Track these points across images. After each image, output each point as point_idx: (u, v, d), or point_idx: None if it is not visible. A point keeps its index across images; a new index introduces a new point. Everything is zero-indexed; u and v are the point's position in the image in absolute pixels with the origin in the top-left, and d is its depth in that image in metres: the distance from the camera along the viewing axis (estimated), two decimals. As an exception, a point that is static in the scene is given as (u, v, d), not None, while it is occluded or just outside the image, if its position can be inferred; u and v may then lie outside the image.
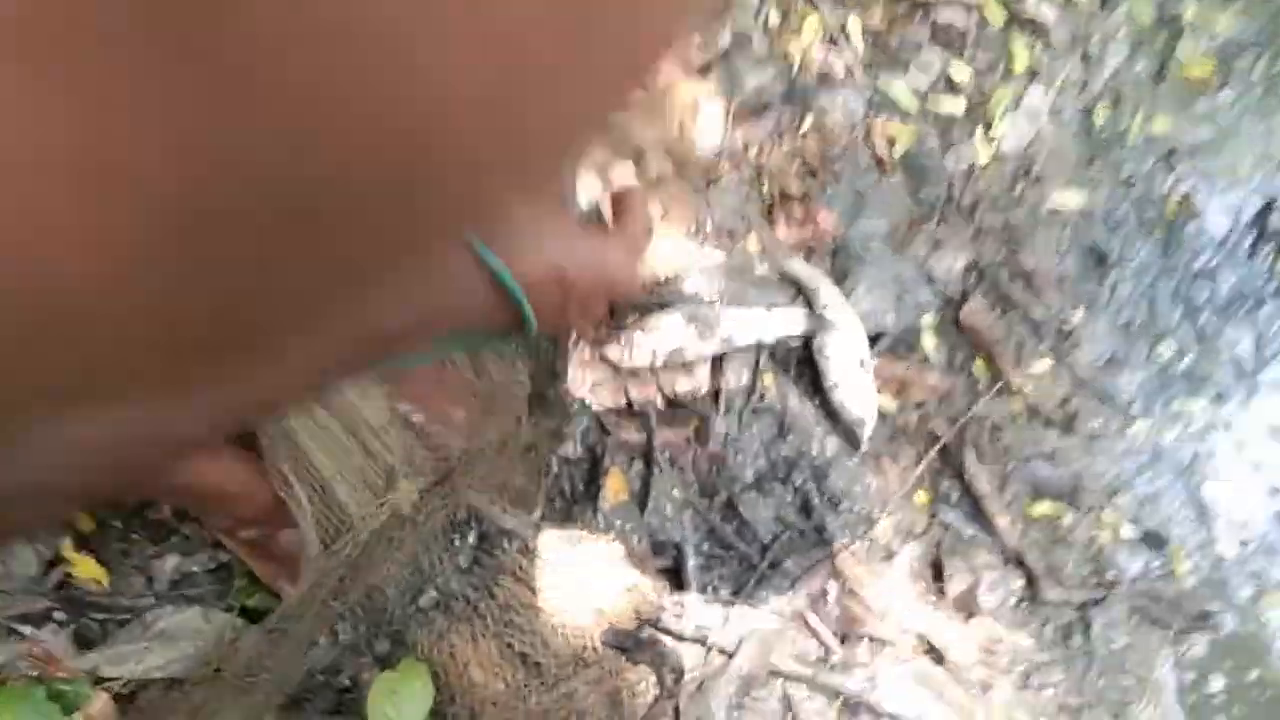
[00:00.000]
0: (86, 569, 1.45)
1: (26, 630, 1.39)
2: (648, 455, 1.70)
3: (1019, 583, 1.68)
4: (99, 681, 1.37)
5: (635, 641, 1.45)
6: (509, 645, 1.38)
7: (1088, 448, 1.87)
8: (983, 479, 1.76)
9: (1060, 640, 1.67)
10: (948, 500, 1.75)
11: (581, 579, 1.44)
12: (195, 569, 1.50)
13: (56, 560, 1.44)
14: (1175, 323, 2.02)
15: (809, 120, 2.03)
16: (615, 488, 1.63)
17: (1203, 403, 1.95)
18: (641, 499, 1.66)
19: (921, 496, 1.75)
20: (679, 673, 1.44)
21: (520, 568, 1.42)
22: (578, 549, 1.47)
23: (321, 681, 1.36)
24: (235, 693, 1.36)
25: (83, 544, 1.46)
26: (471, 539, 1.45)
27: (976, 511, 1.75)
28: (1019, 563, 1.71)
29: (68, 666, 1.38)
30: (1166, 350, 1.99)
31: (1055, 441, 1.87)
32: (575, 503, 1.63)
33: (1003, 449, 1.83)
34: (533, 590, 1.41)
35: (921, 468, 1.77)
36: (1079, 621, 1.69)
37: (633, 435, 1.73)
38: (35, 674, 1.36)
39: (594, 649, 1.42)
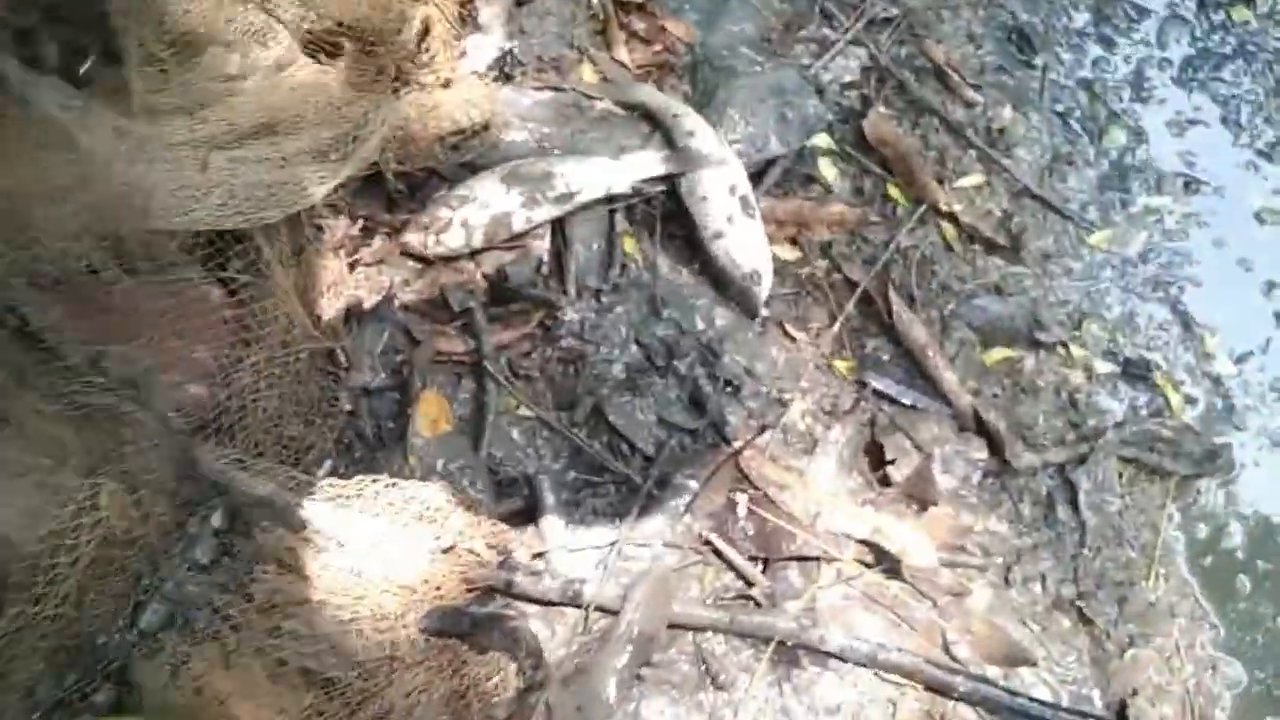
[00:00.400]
0: None
1: None
2: (477, 367, 1.26)
3: (980, 454, 1.31)
4: None
5: (472, 621, 1.03)
6: (281, 661, 0.96)
7: (1041, 271, 1.49)
8: (917, 328, 1.36)
9: (1041, 517, 1.31)
10: (876, 364, 1.36)
11: (381, 550, 1.01)
12: None
13: None
14: (1124, 103, 1.63)
15: (640, -92, 1.56)
16: (432, 416, 1.19)
17: (1169, 196, 1.57)
18: (475, 426, 1.23)
19: (843, 364, 1.36)
20: (538, 655, 1.02)
21: (285, 549, 0.99)
22: (370, 508, 1.04)
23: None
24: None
25: None
26: (215, 521, 1.01)
27: (914, 372, 1.37)
28: (978, 427, 1.33)
29: None
30: (1118, 138, 1.60)
31: (1001, 269, 1.48)
32: (381, 445, 1.19)
33: (938, 287, 1.44)
34: (306, 578, 0.98)
35: (838, 326, 1.36)
36: (1061, 488, 1.33)
37: (454, 344, 1.29)
38: None
39: (412, 642, 1.00)
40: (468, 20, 1.39)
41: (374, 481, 1.04)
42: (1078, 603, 1.24)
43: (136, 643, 0.94)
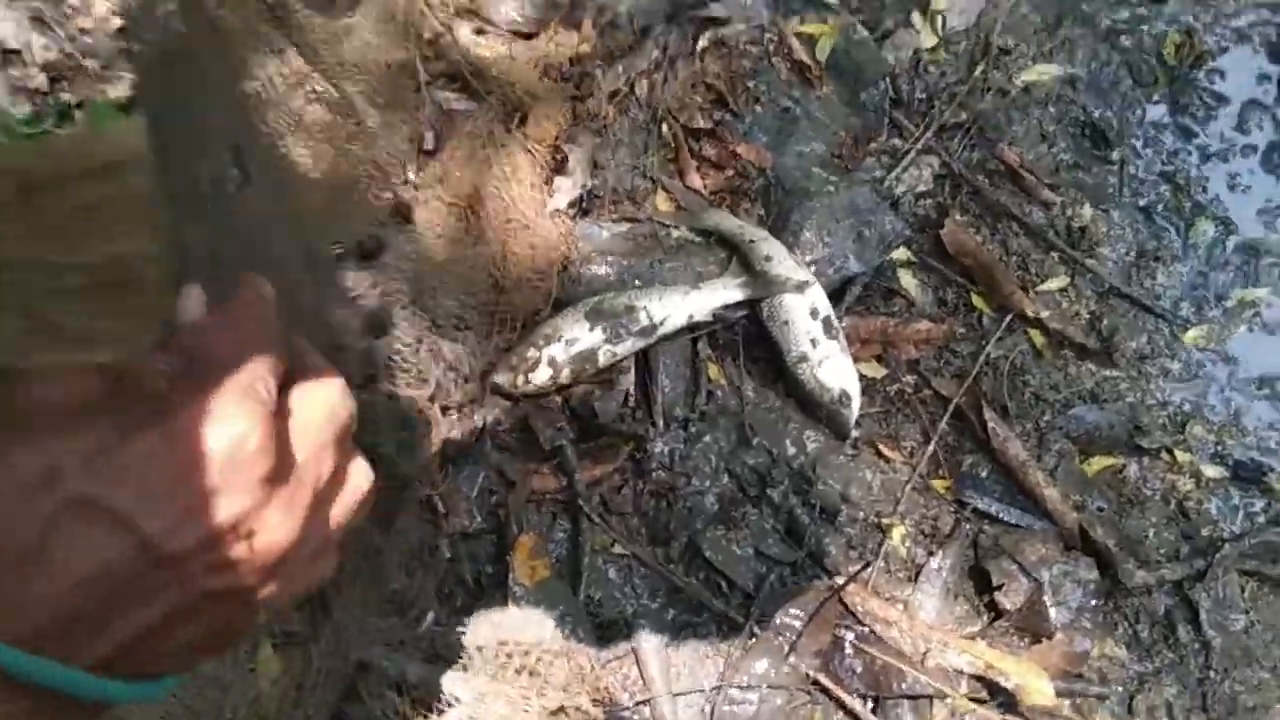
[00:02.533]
0: None
1: None
2: (571, 505, 1.26)
3: (1090, 574, 1.26)
4: None
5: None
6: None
7: (1137, 373, 1.45)
8: (1013, 444, 1.33)
9: (1162, 638, 1.25)
10: (974, 481, 1.33)
11: (489, 711, 1.01)
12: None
13: None
14: (1209, 194, 1.60)
15: (704, 37, 1.60)
16: (530, 562, 1.20)
17: (1267, 288, 1.53)
18: (572, 568, 1.23)
19: (940, 483, 1.33)
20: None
21: (396, 712, 0.99)
22: (476, 667, 1.04)
23: None
24: None
25: None
26: (330, 697, 1.02)
27: (1014, 489, 1.33)
28: (1085, 545, 1.28)
29: None
30: (1206, 230, 1.57)
31: (1095, 375, 1.44)
32: (482, 593, 1.20)
33: (1031, 398, 1.41)
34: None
35: (932, 444, 1.34)
36: (1180, 607, 1.27)
37: (548, 482, 1.30)
38: None
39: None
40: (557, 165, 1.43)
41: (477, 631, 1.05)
42: (1210, 732, 1.18)
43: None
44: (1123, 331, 1.47)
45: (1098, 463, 1.37)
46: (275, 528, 0.38)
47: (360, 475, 0.44)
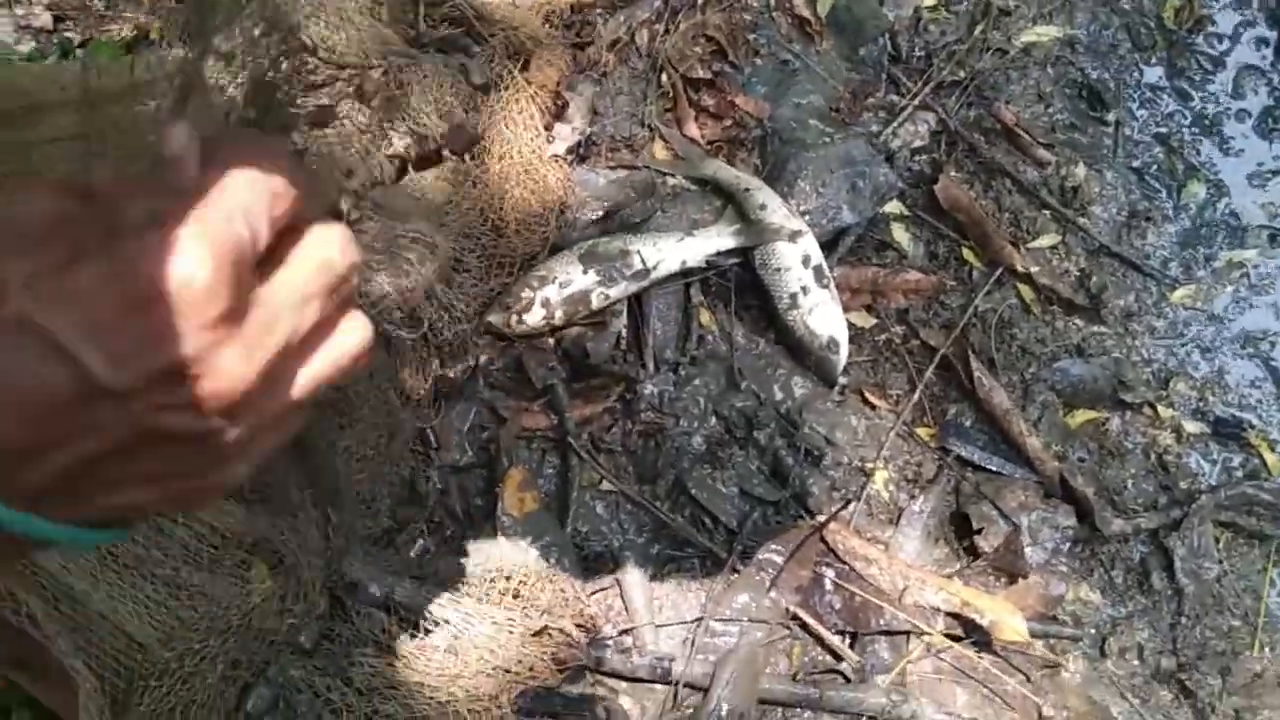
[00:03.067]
0: None
1: None
2: (561, 443, 1.29)
3: (1069, 520, 1.28)
4: None
5: (564, 702, 1.04)
6: (382, 747, 0.99)
7: (1123, 330, 1.47)
8: (998, 393, 1.35)
9: (1136, 584, 1.28)
10: (958, 430, 1.35)
11: (474, 630, 1.04)
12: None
13: None
14: (1203, 156, 1.61)
15: (705, -12, 1.61)
16: (519, 494, 1.22)
17: (1255, 249, 1.54)
18: (560, 503, 1.26)
19: (924, 431, 1.35)
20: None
21: (383, 630, 1.02)
22: (463, 590, 1.07)
23: None
24: None
25: None
26: (320, 606, 1.05)
27: (997, 438, 1.35)
28: (1065, 493, 1.31)
29: None
30: (1197, 192, 1.58)
31: (1082, 330, 1.46)
32: (471, 524, 1.22)
33: (1018, 350, 1.43)
34: (403, 661, 1.01)
35: (918, 392, 1.36)
36: (1155, 555, 1.29)
37: (538, 420, 1.32)
38: None
39: (508, 724, 1.02)
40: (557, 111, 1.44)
41: (465, 558, 1.08)
42: (1178, 674, 1.21)
43: (244, 727, 0.98)
44: (1111, 289, 1.48)
45: (1081, 415, 1.39)
46: (228, 373, 0.36)
47: (354, 332, 0.42)
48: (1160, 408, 1.41)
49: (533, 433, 1.30)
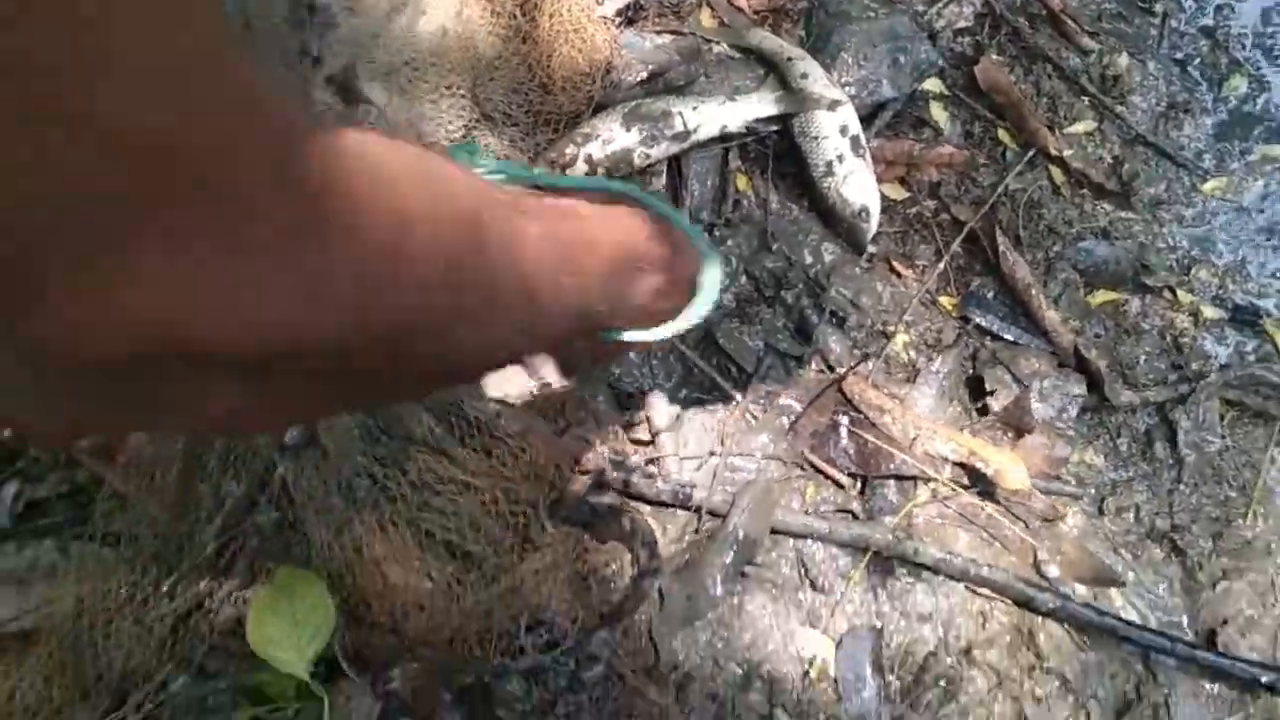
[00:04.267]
0: (-84, 510, 1.16)
1: None
2: (599, 291, 1.35)
3: (1079, 389, 1.34)
4: (-57, 641, 1.09)
5: (593, 511, 1.13)
6: (429, 533, 1.08)
7: (1151, 217, 1.50)
8: (1021, 267, 1.40)
9: (1139, 452, 1.34)
10: (980, 301, 1.40)
11: (521, 448, 1.12)
12: (45, 495, 1.21)
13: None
14: (1247, 51, 1.61)
15: None
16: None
17: (1290, 145, 1.56)
18: (595, 344, 1.33)
19: (947, 300, 1.40)
20: (652, 546, 1.12)
21: (432, 433, 1.11)
22: (506, 406, 1.15)
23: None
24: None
25: (-90, 482, 1.17)
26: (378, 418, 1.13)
27: (1017, 311, 1.40)
28: (1078, 364, 1.36)
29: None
30: (1238, 87, 1.59)
31: (1109, 214, 1.50)
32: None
33: (1044, 230, 1.46)
34: (450, 460, 1.09)
35: (944, 263, 1.41)
36: (1160, 426, 1.35)
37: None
38: None
39: (543, 528, 1.11)
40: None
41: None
42: (1171, 535, 1.28)
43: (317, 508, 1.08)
44: (1142, 177, 1.51)
45: (1101, 295, 1.44)
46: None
47: None
48: (1180, 292, 1.45)
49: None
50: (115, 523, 1.14)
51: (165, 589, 1.10)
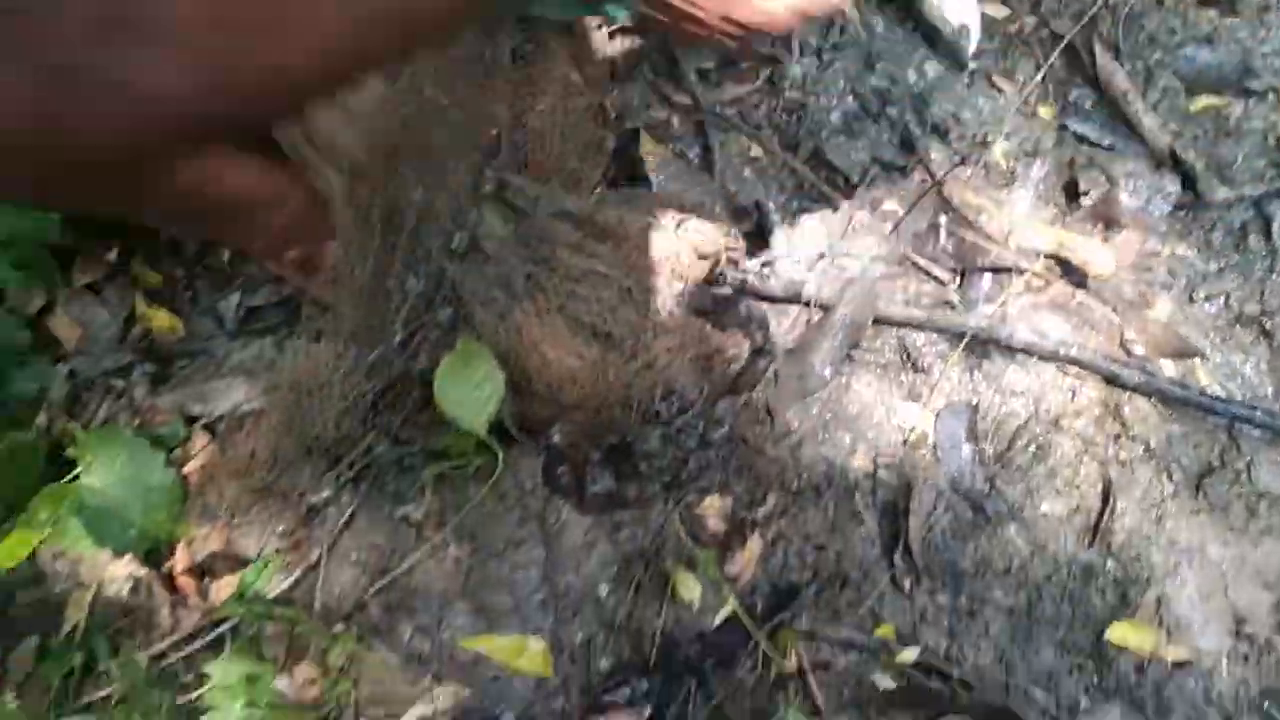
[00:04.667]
0: (160, 320, 1.43)
1: (119, 384, 1.39)
2: (710, 117, 1.49)
3: (1174, 187, 1.41)
4: (191, 421, 1.36)
5: (717, 302, 1.30)
6: (577, 320, 1.27)
7: (1259, 23, 1.52)
8: (1119, 75, 1.46)
9: (1233, 245, 1.40)
10: (1079, 111, 1.47)
11: (647, 243, 1.29)
12: (260, 303, 1.45)
13: (133, 318, 1.42)
14: None
15: None
16: (655, 153, 1.44)
17: None
18: (708, 163, 1.47)
19: (1046, 110, 1.48)
20: (766, 330, 1.29)
21: (574, 242, 1.29)
22: (637, 214, 1.31)
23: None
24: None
25: (153, 298, 1.43)
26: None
27: (1117, 119, 1.46)
28: (1174, 165, 1.42)
29: (159, 409, 1.38)
30: (1362, -117, 1.56)
31: (1214, 21, 1.52)
32: (640, 181, 1.46)
33: (1145, 39, 1.51)
34: (594, 257, 1.27)
35: (1041, 74, 1.48)
36: (1255, 220, 1.41)
37: (688, 99, 1.52)
38: (136, 423, 1.37)
39: (671, 314, 1.29)
40: None
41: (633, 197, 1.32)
42: (1260, 319, 1.35)
43: (475, 293, 1.28)
44: (1252, -17, 1.53)
45: (1202, 101, 1.48)
46: None
47: None
48: (1284, 94, 1.48)
49: (686, 109, 1.51)
50: (318, 323, 1.38)
51: (364, 372, 1.33)
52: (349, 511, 1.29)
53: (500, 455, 1.25)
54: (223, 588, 1.28)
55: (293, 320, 1.43)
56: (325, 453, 1.35)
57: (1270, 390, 1.32)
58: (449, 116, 1.30)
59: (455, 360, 1.22)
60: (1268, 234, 1.39)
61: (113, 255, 1.40)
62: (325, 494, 1.31)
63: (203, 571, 1.28)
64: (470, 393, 1.22)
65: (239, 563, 1.28)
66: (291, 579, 1.24)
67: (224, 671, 1.14)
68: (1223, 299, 1.37)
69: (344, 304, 1.43)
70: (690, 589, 1.21)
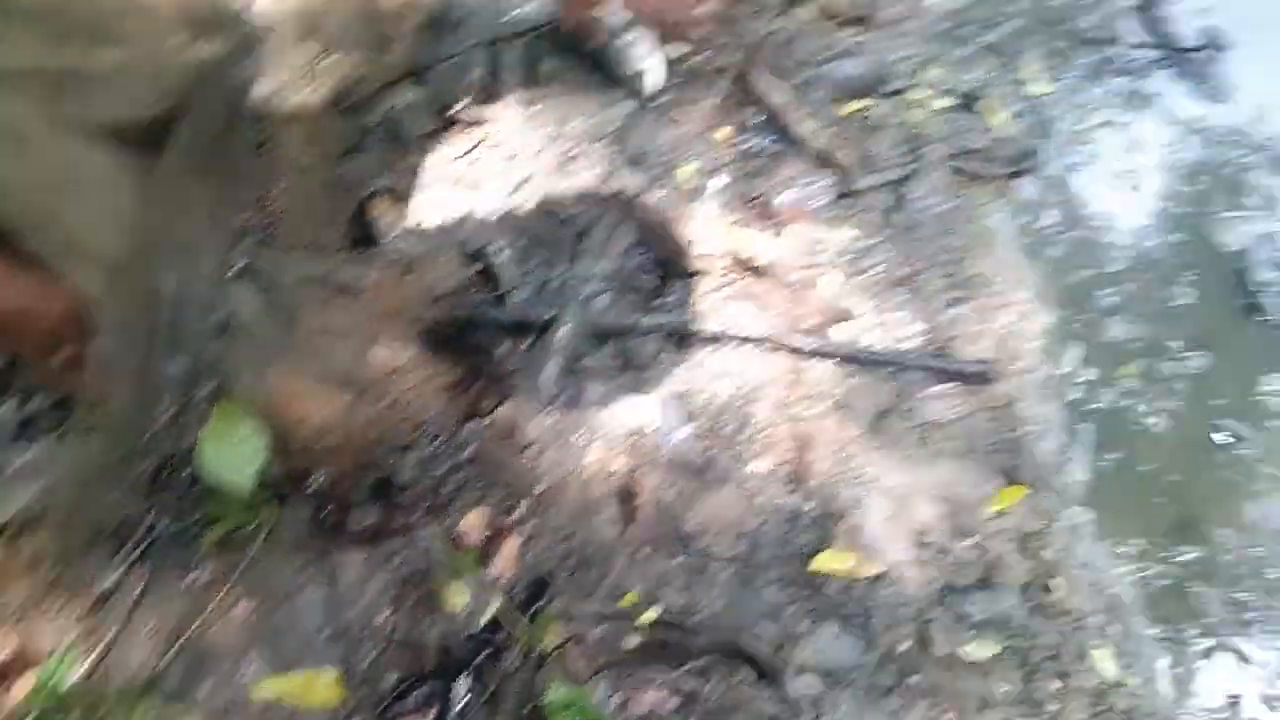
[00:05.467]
0: (-64, 436, 1.48)
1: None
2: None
3: (831, 181, 1.66)
4: (-20, 532, 1.43)
5: (453, 337, 1.48)
6: (327, 372, 1.42)
7: (892, 35, 1.81)
8: (778, 90, 1.71)
9: (883, 223, 1.67)
10: (750, 128, 1.72)
11: (384, 294, 1.45)
12: (35, 409, 1.53)
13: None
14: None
15: None
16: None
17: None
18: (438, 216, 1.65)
19: (724, 133, 1.72)
20: (501, 357, 1.47)
21: (320, 302, 1.44)
22: (374, 270, 1.48)
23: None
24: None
25: (-73, 417, 1.49)
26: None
27: (780, 129, 1.72)
28: (830, 163, 1.68)
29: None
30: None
31: (854, 38, 1.80)
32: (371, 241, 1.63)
33: (798, 61, 1.77)
34: (338, 313, 1.43)
35: (715, 99, 1.73)
36: (895, 199, 1.68)
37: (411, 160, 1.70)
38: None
39: (413, 354, 1.45)
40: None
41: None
42: (910, 280, 1.61)
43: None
44: (881, 4, 1.81)
45: (850, 105, 1.76)
46: None
47: None
48: (914, 92, 1.77)
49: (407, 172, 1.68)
50: (91, 417, 1.48)
51: (138, 456, 1.44)
52: (139, 588, 1.38)
53: (273, 510, 1.38)
54: (23, 686, 1.35)
55: (67, 419, 1.52)
56: (111, 537, 1.45)
57: (924, 338, 1.58)
58: (199, 208, 1.43)
59: (217, 424, 1.34)
60: (905, 209, 1.66)
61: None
62: (114, 576, 1.41)
63: (2, 674, 1.35)
64: (234, 449, 1.34)
65: (36, 660, 1.35)
66: (89, 662, 1.33)
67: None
68: (880, 268, 1.62)
69: (112, 395, 1.54)
70: (460, 596, 1.37)
